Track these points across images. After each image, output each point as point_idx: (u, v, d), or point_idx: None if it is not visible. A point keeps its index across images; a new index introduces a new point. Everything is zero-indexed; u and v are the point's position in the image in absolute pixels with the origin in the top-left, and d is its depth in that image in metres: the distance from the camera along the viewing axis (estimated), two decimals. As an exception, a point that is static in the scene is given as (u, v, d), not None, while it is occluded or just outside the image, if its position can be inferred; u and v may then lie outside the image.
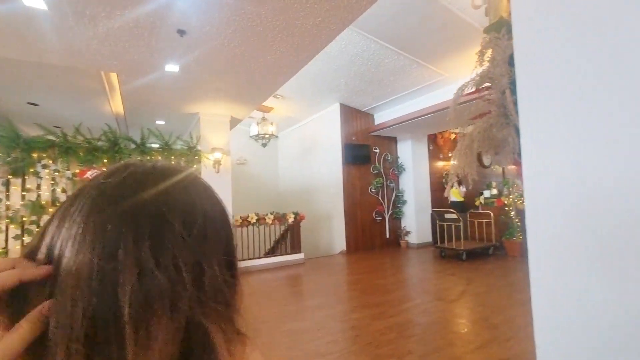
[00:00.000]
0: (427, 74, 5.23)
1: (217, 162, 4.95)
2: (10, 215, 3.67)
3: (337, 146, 6.96)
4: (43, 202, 3.85)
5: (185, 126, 5.82)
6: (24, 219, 3.75)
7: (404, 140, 7.65)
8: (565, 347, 0.75)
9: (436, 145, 8.04)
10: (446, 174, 7.89)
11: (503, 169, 6.54)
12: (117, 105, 4.82)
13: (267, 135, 6.68)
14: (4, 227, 3.71)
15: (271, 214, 5.80)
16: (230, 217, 0.41)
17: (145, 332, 0.26)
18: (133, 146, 4.45)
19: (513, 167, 1.15)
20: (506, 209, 6.27)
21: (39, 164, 3.88)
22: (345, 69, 5.26)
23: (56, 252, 0.28)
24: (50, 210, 3.85)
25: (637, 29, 0.65)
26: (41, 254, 0.29)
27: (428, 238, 7.43)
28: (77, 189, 0.33)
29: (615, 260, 0.66)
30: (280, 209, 6.32)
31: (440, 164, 8.05)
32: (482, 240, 6.30)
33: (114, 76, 3.82)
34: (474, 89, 1.00)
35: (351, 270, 5.55)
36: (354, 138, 7.07)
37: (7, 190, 3.72)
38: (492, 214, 6.14)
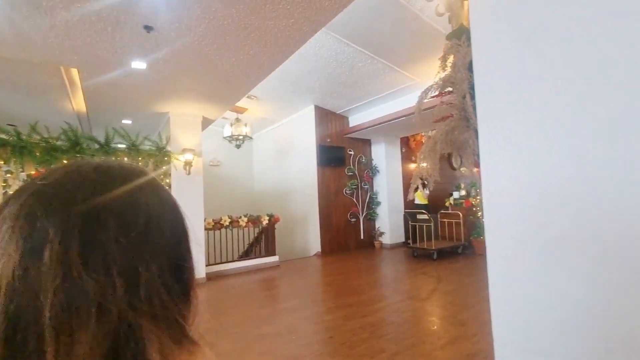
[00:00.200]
0: (400, 79, 5.37)
1: (188, 164, 4.80)
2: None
3: (312, 148, 6.97)
4: (-7, 206, 3.55)
5: (154, 126, 5.60)
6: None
7: (377, 142, 7.80)
8: (520, 336, 0.79)
9: (408, 148, 8.26)
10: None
11: (475, 171, 6.81)
12: (78, 102, 4.56)
13: (241, 137, 6.56)
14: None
15: (245, 216, 5.70)
16: (185, 219, 0.39)
17: (68, 338, 0.25)
18: (97, 146, 4.22)
19: (477, 169, 1.21)
20: (474, 209, 6.54)
21: (-12, 165, 3.59)
22: (320, 71, 5.28)
23: None
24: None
25: (584, 38, 0.70)
26: None
27: (401, 238, 7.60)
28: (16, 189, 0.32)
29: (564, 255, 0.70)
30: (255, 211, 6.23)
31: (412, 166, 8.27)
32: (452, 240, 6.53)
33: (74, 72, 3.61)
34: (437, 93, 1.04)
35: (326, 271, 5.57)
36: (328, 140, 7.12)
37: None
38: (461, 215, 6.38)
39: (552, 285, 0.71)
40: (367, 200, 7.61)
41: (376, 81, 5.51)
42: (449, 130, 0.97)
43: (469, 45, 0.91)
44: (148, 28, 2.67)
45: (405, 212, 7.21)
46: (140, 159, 4.46)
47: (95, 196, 0.30)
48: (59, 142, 3.94)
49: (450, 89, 1.01)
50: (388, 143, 7.70)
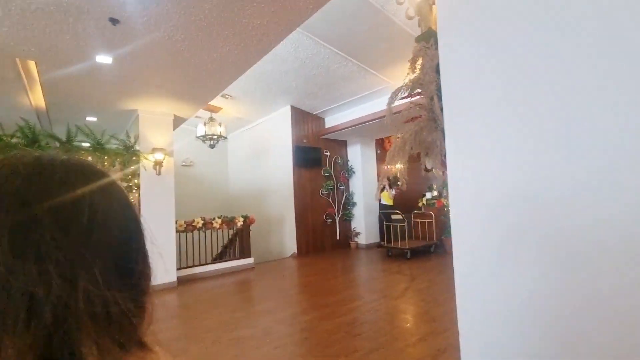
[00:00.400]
0: (375, 81, 5.46)
1: (159, 164, 4.62)
2: None
3: (288, 149, 6.93)
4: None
5: (122, 124, 5.35)
6: None
7: (353, 144, 7.89)
8: (482, 328, 0.82)
9: (383, 150, 8.42)
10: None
11: (443, 171, 7.05)
12: (37, 97, 4.26)
13: (215, 136, 6.41)
14: None
15: (219, 217, 5.57)
16: (138, 219, 0.37)
17: None
18: (57, 144, 3.97)
19: (444, 169, 1.24)
20: (445, 209, 6.77)
21: None
22: (296, 72, 5.27)
23: None
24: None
25: (542, 45, 0.74)
26: None
27: (376, 239, 7.72)
28: None
29: (517, 250, 0.74)
30: (230, 213, 6.10)
31: (391, 167, 8.43)
32: (425, 239, 6.72)
33: (32, 64, 3.37)
34: (407, 94, 1.06)
35: (301, 272, 5.55)
36: (305, 141, 7.11)
37: None
38: (433, 214, 6.58)
39: (507, 279, 0.75)
40: (343, 201, 7.67)
41: (352, 83, 5.57)
42: (417, 130, 0.99)
43: (437, 48, 0.93)
44: (114, 21, 2.54)
45: (380, 212, 7.33)
46: (106, 158, 4.24)
47: (30, 190, 0.28)
48: (14, 140, 3.67)
49: (419, 90, 1.03)
50: (364, 144, 7.81)
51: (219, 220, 5.53)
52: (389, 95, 1.22)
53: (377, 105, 5.98)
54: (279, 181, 7.20)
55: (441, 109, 0.94)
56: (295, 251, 6.75)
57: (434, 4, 1.02)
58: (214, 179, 9.19)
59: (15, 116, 4.02)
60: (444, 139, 0.98)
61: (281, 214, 7.16)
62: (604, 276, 0.62)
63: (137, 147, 4.58)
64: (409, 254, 5.99)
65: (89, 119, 5.03)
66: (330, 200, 7.47)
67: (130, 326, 0.31)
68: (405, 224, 6.28)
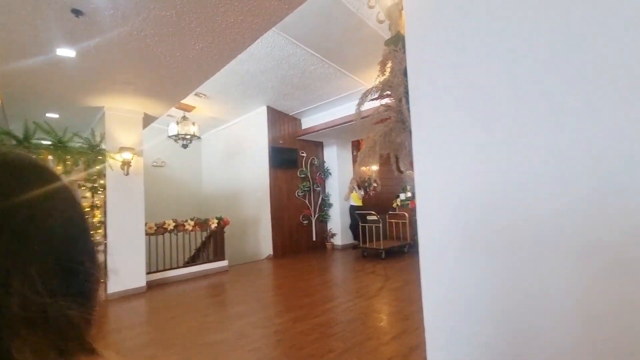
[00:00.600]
0: (351, 83, 5.52)
1: (126, 164, 4.42)
2: None
3: (264, 149, 6.86)
4: None
5: (86, 121, 5.07)
6: None
7: (329, 145, 7.93)
8: (446, 323, 0.85)
9: (359, 151, 8.52)
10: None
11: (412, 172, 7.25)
12: (-10, 92, 3.96)
13: (188, 136, 6.23)
14: None
15: (191, 219, 5.41)
16: (85, 218, 0.35)
17: None
18: (14, 142, 3.70)
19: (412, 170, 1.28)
20: (418, 210, 6.95)
21: None
22: (272, 72, 5.23)
23: None
24: None
25: (502, 53, 0.78)
26: None
27: (352, 239, 7.79)
28: None
29: (479, 247, 0.77)
30: (204, 215, 5.94)
31: (362, 168, 8.54)
32: (399, 239, 6.86)
33: (-16, 56, 3.13)
34: (376, 96, 1.08)
35: (277, 274, 5.50)
36: (281, 142, 7.06)
37: None
38: (407, 215, 6.74)
39: (467, 274, 0.78)
40: (319, 202, 7.69)
41: (328, 85, 5.61)
42: (387, 131, 1.01)
43: (405, 51, 0.96)
44: (77, 12, 2.41)
45: (356, 213, 7.42)
46: (68, 157, 4.00)
47: None
48: (-38, 137, 3.39)
49: (388, 92, 1.06)
50: (340, 146, 7.87)
51: (192, 222, 5.37)
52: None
53: (353, 107, 5.95)
54: (255, 182, 7.11)
55: (409, 111, 0.97)
56: (271, 253, 6.68)
57: (403, 9, 1.04)
58: (187, 180, 8.92)
59: (-35, 111, 3.71)
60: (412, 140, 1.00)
61: (257, 216, 7.07)
62: (546, 269, 0.66)
63: (103, 146, 4.36)
64: (383, 254, 6.10)
65: (49, 115, 4.74)
66: (307, 202, 7.46)
67: (73, 330, 0.29)
68: (380, 225, 6.39)
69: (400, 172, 1.31)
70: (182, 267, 5.36)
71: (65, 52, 2.96)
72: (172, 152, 8.07)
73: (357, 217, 7.01)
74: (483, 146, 0.77)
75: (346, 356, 2.49)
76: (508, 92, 0.74)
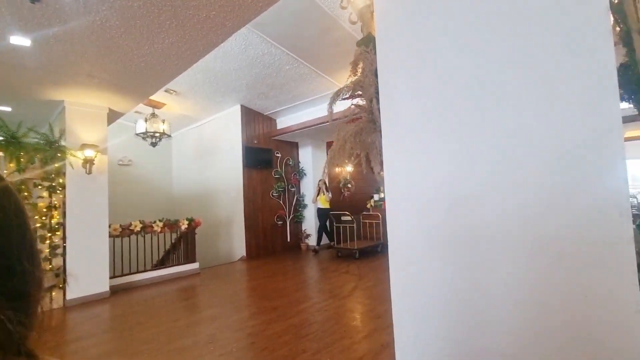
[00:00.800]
0: (326, 84, 5.55)
1: (89, 162, 4.17)
2: None
3: (238, 149, 6.74)
4: None
5: (44, 116, 4.74)
6: None
7: (305, 145, 7.92)
8: (414, 319, 0.87)
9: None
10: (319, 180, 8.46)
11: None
12: None
13: (157, 134, 5.98)
14: None
15: (160, 220, 5.20)
16: (24, 216, 0.32)
17: None
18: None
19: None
20: (391, 210, 7.11)
21: None
22: (246, 70, 5.15)
23: None
24: None
25: (464, 57, 0.80)
26: None
27: (326, 240, 7.82)
28: None
29: (442, 244, 0.80)
30: (175, 216, 5.73)
31: (337, 169, 8.61)
32: (373, 239, 6.98)
33: None
34: (348, 96, 1.09)
35: (250, 276, 5.41)
36: (255, 142, 6.97)
37: None
38: (380, 215, 6.87)
39: (432, 272, 0.80)
40: (294, 203, 7.65)
41: (303, 85, 5.60)
42: (357, 131, 1.03)
43: (376, 53, 0.97)
44: (33, -2, 2.24)
45: (330, 214, 7.46)
46: (22, 154, 3.71)
47: None
48: None
49: (360, 92, 1.07)
50: (315, 147, 7.89)
51: (161, 224, 5.17)
52: (341, 101, 1.24)
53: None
54: (228, 182, 6.96)
55: (379, 111, 0.98)
56: (245, 254, 6.57)
57: (374, 10, 1.06)
58: (156, 180, 8.57)
59: None
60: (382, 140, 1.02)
61: (230, 216, 6.92)
62: (501, 263, 0.69)
63: (62, 143, 4.09)
64: (357, 254, 6.17)
65: (1, 108, 4.38)
66: (281, 202, 7.41)
67: (7, 334, 0.27)
68: (355, 225, 6.47)
69: (372, 171, 1.32)
70: (150, 270, 5.14)
71: (19, 40, 2.75)
72: (141, 151, 7.72)
73: (325, 219, 7.06)
74: (446, 147, 0.79)
75: (319, 356, 2.49)
76: (469, 98, 0.77)
